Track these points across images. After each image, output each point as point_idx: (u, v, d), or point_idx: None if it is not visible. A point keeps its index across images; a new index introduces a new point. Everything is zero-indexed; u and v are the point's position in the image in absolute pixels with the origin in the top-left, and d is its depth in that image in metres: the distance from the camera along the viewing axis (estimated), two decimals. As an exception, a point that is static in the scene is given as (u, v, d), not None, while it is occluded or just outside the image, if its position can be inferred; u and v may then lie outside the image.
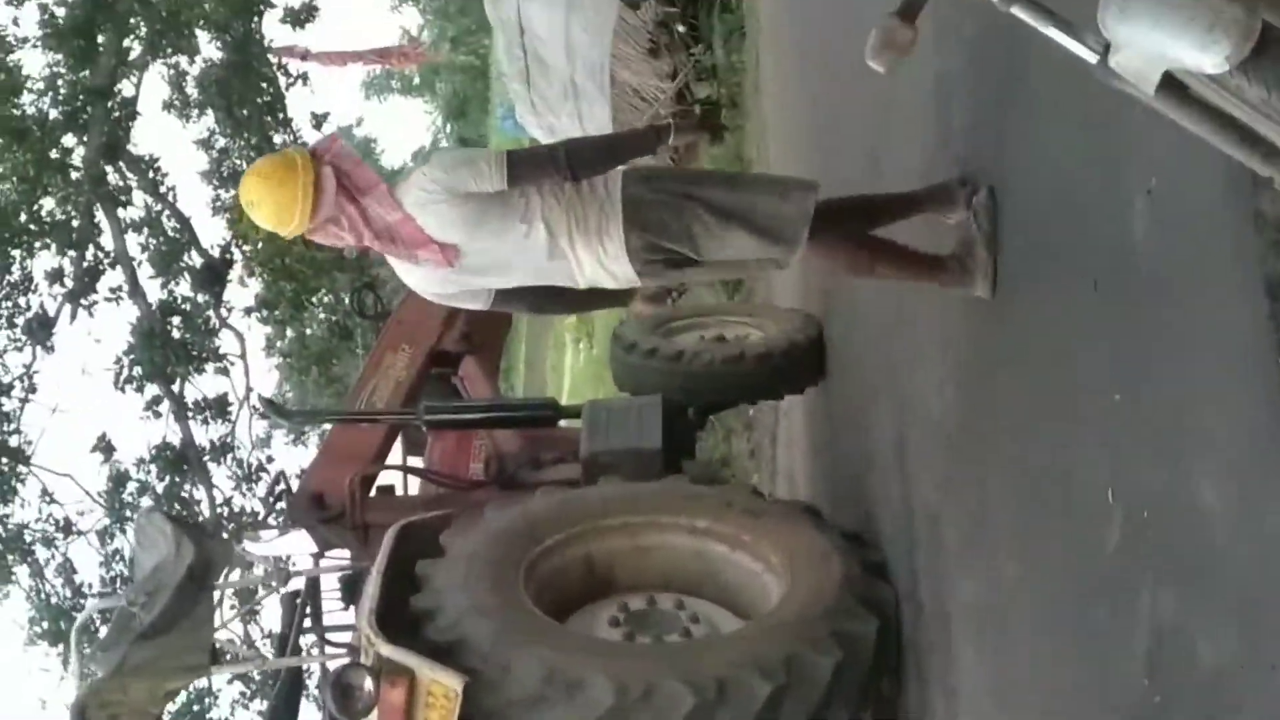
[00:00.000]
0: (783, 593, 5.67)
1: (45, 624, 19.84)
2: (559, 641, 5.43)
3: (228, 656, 6.74)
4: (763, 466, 11.98)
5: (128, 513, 20.14)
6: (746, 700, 5.05)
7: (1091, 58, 2.96)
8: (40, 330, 19.61)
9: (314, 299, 22.50)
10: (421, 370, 8.23)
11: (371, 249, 5.34)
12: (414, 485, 8.34)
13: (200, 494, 20.57)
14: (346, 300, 19.44)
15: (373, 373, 8.19)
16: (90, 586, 20.00)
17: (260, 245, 20.40)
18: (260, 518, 7.38)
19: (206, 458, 20.58)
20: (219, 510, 20.30)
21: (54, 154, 19.27)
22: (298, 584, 7.16)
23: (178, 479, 20.37)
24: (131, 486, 20.26)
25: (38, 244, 19.24)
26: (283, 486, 7.55)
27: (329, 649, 7.20)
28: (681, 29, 13.77)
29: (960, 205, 5.37)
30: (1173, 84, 2.90)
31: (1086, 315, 4.26)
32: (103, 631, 7.20)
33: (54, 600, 19.86)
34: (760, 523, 6.02)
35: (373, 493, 7.57)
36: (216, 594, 6.47)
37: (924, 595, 5.86)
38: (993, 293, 5.14)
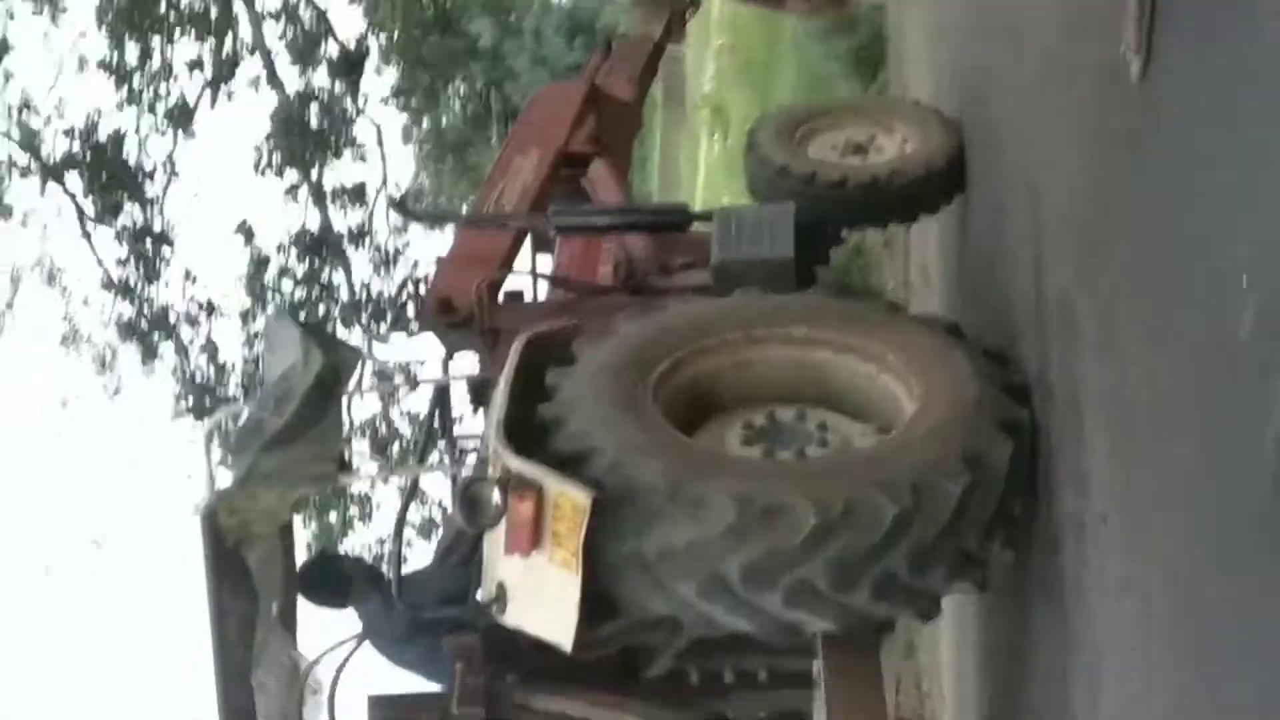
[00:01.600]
0: (916, 408, 5.49)
1: (190, 400, 20.45)
2: (683, 456, 5.26)
3: (356, 467, 6.74)
4: (897, 259, 11.93)
5: (269, 295, 20.60)
6: (871, 522, 4.95)
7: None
8: (181, 116, 19.85)
9: (449, 88, 22.52)
10: (550, 173, 7.96)
11: None
12: (543, 290, 8.18)
13: (339, 278, 20.88)
14: (479, 90, 19.26)
15: (500, 175, 7.94)
16: (233, 366, 20.53)
17: (397, 36, 20.47)
18: (391, 320, 7.15)
19: (344, 243, 20.86)
20: (356, 296, 20.62)
21: None
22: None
23: (316, 263, 20.68)
24: (272, 270, 20.64)
25: (177, 32, 19.34)
26: (412, 290, 7.48)
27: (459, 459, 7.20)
28: None
29: None
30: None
31: (1228, 104, 4.15)
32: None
33: (198, 378, 20.40)
34: (901, 338, 5.76)
35: (500, 298, 7.36)
36: (345, 401, 6.54)
37: (1055, 383, 5.80)
38: (1144, 72, 4.83)
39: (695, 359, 5.73)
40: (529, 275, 7.96)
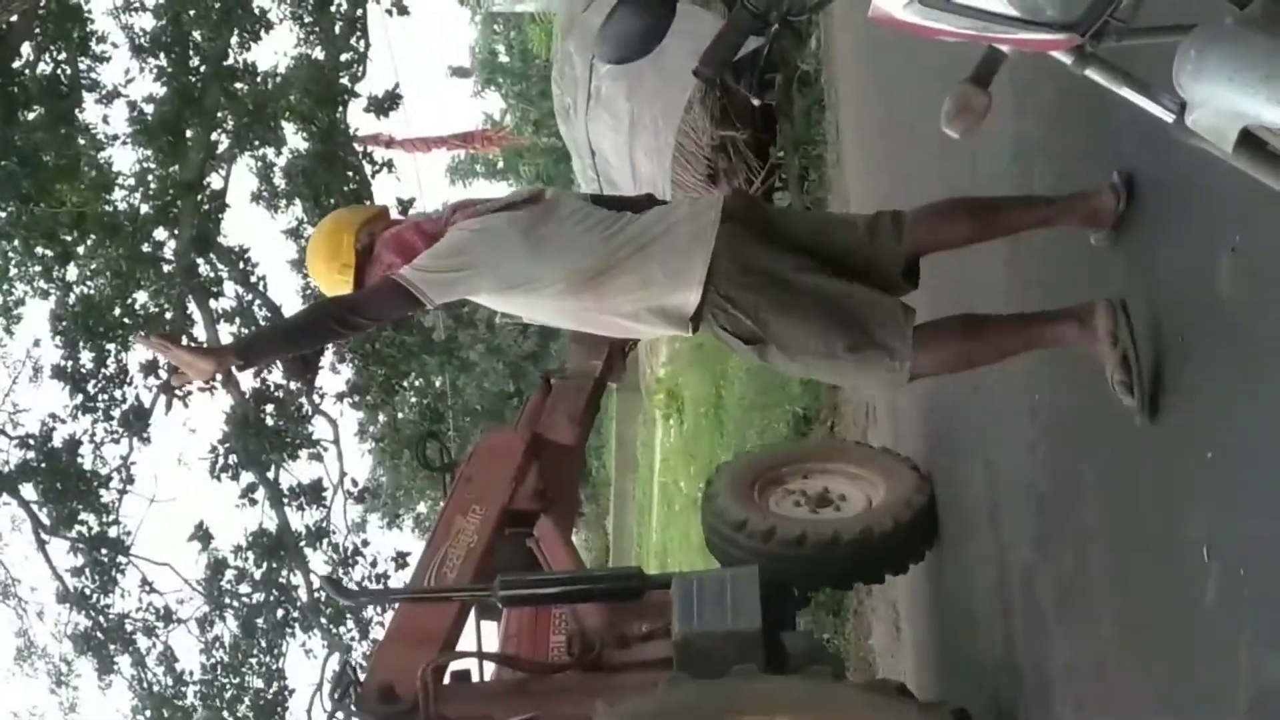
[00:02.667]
0: None
1: (148, 712, 20.12)
2: None
3: None
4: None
5: (227, 600, 20.39)
6: None
7: (1168, 117, 2.96)
8: (136, 422, 19.86)
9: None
10: (494, 533, 7.39)
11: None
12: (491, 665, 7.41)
13: (297, 579, 20.73)
14: (412, 450, 19.03)
15: (442, 539, 7.37)
16: (191, 674, 20.23)
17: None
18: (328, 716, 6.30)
19: (302, 543, 20.74)
20: (315, 594, 20.43)
21: (146, 248, 19.54)
22: None
23: (274, 565, 20.54)
24: (229, 574, 20.47)
25: (131, 337, 19.46)
26: (350, 678, 6.55)
27: None
28: (743, 140, 13.28)
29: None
30: (1251, 140, 2.87)
31: (1176, 371, 4.24)
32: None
33: (156, 689, 20.09)
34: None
35: (447, 679, 6.71)
36: None
37: (1022, 660, 5.82)
38: (1147, 413, 4.51)
39: None
40: (476, 658, 7.22)
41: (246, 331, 20.17)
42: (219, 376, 5.13)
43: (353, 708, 6.39)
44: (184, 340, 4.50)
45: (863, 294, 4.86)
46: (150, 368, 19.84)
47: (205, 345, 5.00)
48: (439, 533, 7.43)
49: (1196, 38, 2.84)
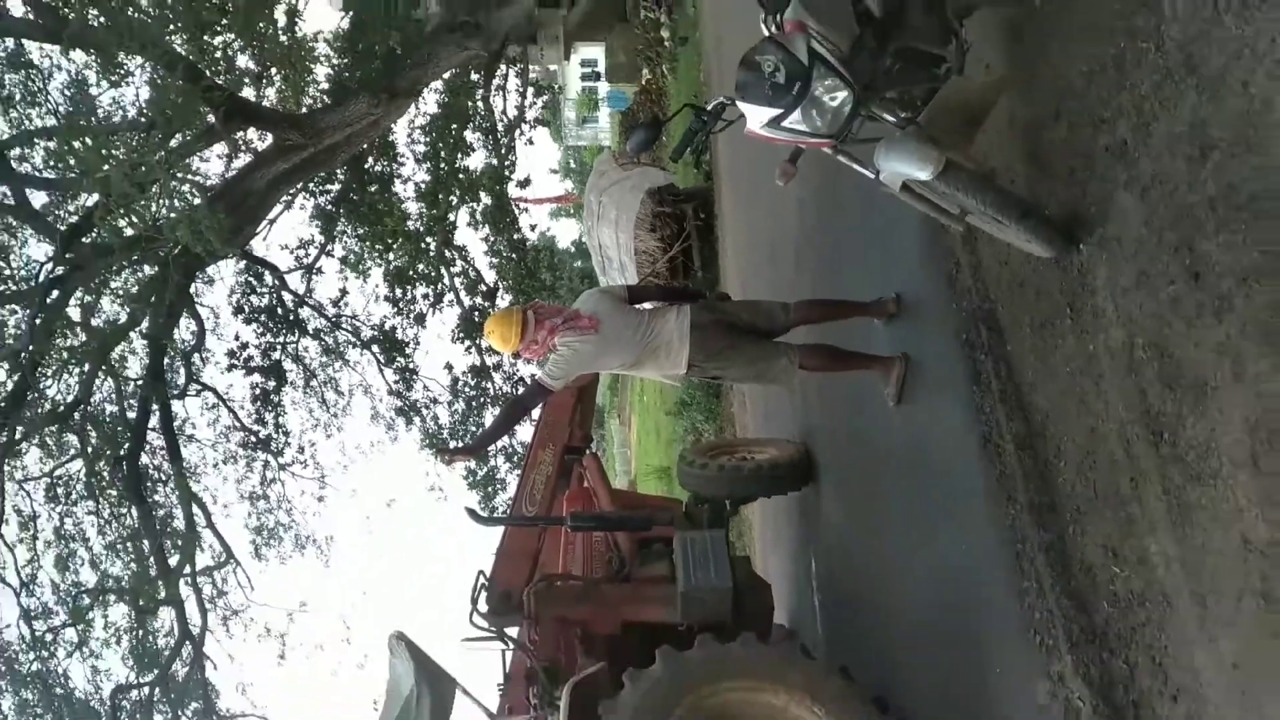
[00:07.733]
0: None
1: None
2: None
3: None
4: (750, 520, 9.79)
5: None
6: None
7: (871, 175, 3.00)
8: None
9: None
10: (559, 463, 5.78)
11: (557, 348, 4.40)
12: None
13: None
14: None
15: (531, 470, 5.76)
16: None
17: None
18: (469, 615, 4.60)
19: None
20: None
21: (422, 245, 17.91)
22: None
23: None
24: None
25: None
26: (485, 584, 4.93)
27: None
28: (669, 215, 11.96)
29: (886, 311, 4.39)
30: (908, 187, 2.93)
31: (911, 388, 3.97)
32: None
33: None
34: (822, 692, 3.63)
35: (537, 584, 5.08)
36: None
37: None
38: (898, 402, 4.24)
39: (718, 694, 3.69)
40: (554, 579, 5.25)
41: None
42: (470, 460, 4.57)
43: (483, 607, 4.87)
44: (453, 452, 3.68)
45: (768, 345, 4.41)
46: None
47: (465, 447, 4.06)
48: (529, 461, 5.85)
49: (883, 141, 2.89)
